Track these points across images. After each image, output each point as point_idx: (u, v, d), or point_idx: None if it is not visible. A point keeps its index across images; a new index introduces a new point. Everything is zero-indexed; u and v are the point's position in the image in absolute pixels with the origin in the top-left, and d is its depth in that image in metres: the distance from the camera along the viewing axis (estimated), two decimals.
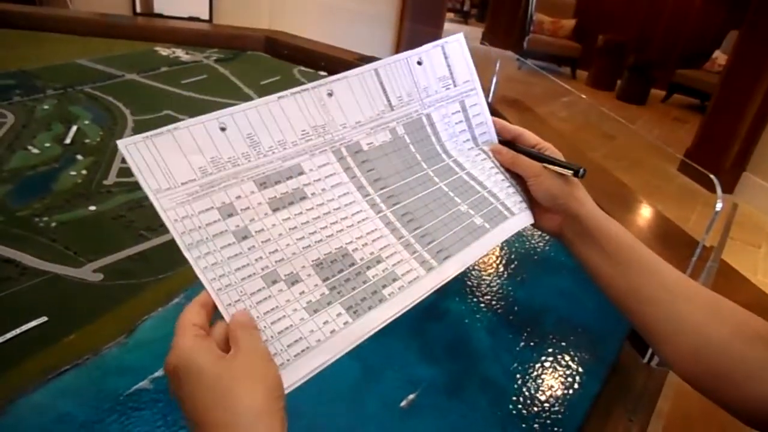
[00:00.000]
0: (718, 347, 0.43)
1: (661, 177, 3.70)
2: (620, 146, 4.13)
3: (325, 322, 0.40)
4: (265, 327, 0.38)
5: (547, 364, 0.72)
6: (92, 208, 0.89)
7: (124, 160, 1.04)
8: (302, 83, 1.73)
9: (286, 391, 0.36)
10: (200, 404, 0.33)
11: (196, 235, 0.39)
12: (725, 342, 0.43)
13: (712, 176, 0.77)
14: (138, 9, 3.48)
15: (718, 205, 0.73)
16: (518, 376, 0.69)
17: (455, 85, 0.56)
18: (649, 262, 0.48)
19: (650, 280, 0.47)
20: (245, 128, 0.43)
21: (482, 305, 0.81)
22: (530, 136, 0.56)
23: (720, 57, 5.37)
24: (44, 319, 0.64)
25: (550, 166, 0.52)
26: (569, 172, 0.51)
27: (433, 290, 0.45)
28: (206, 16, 3.55)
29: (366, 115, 0.50)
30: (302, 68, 1.83)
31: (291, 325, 0.39)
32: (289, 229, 0.43)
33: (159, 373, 0.60)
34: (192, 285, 0.74)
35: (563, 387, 0.69)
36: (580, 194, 0.52)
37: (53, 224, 0.83)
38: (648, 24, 6.27)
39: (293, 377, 0.37)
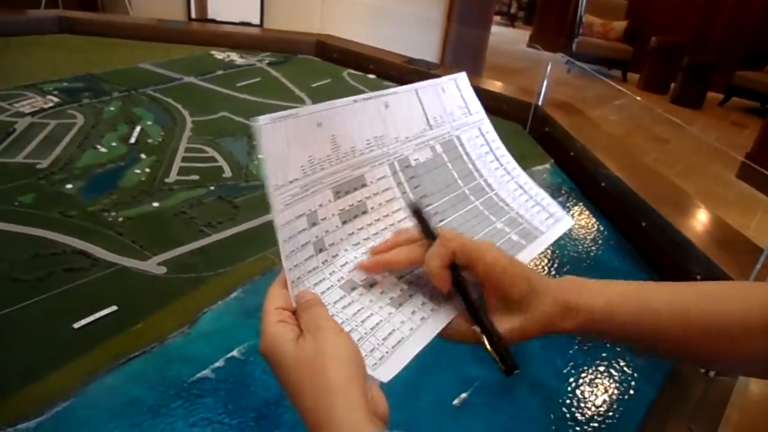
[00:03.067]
0: None
1: (719, 183, 3.56)
2: (674, 150, 4.00)
3: (413, 312, 0.41)
4: (356, 327, 0.39)
5: (601, 369, 0.71)
6: (155, 204, 0.93)
7: (184, 159, 1.09)
8: (352, 86, 1.76)
9: (387, 379, 0.36)
10: (290, 390, 0.34)
11: (291, 244, 0.40)
12: None
13: None
14: (193, 15, 3.60)
15: None
16: (571, 379, 0.69)
17: (470, 114, 0.59)
18: (685, 326, 0.39)
19: (687, 337, 0.39)
20: (331, 128, 0.44)
21: None
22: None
23: None
24: (114, 308, 0.68)
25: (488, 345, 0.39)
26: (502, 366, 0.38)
27: None
28: (257, 21, 3.64)
29: (412, 131, 0.52)
30: (351, 71, 1.85)
31: (381, 320, 0.40)
32: (354, 244, 0.44)
33: (220, 363, 0.63)
34: (250, 280, 0.77)
35: (618, 392, 0.68)
36: (564, 309, 0.40)
37: (120, 219, 0.87)
38: (705, 24, 6.04)
39: (395, 367, 0.38)
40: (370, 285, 0.42)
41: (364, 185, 0.46)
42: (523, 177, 0.60)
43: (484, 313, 0.39)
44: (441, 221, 0.50)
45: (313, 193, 0.41)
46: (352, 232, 0.44)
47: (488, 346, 0.38)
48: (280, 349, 0.35)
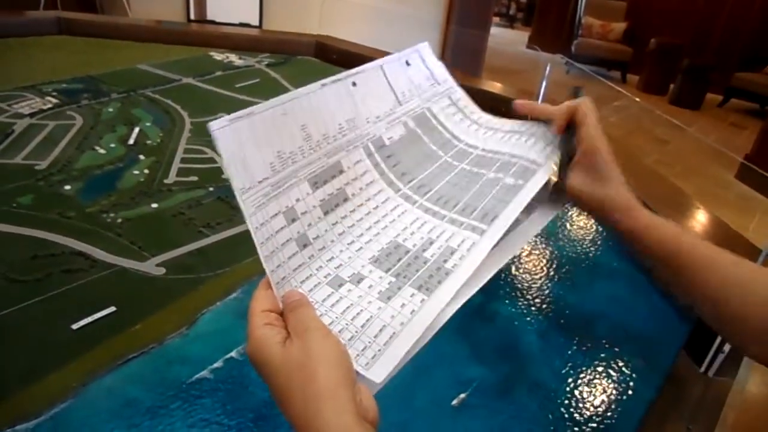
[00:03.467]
0: None
1: (718, 184, 3.56)
2: (673, 151, 4.01)
3: (403, 305, 0.39)
4: (346, 325, 0.38)
5: (599, 369, 0.71)
6: (154, 205, 0.93)
7: (183, 161, 1.09)
8: None
9: (381, 380, 0.36)
10: (278, 394, 0.34)
11: (270, 246, 0.39)
12: None
13: None
14: (192, 16, 3.60)
15: None
16: (569, 380, 0.69)
17: (438, 84, 0.59)
18: (702, 263, 0.46)
19: (706, 280, 0.45)
20: (300, 117, 0.42)
21: (532, 308, 0.80)
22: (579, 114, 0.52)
23: None
24: (113, 309, 0.68)
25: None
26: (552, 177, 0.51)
27: (491, 247, 0.44)
28: (256, 22, 3.64)
29: (382, 110, 0.51)
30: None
31: (371, 317, 0.39)
32: (338, 234, 0.43)
33: (219, 363, 0.63)
34: (249, 281, 0.77)
35: (616, 393, 0.68)
36: (620, 205, 0.49)
37: (119, 220, 0.87)
38: (704, 26, 6.06)
39: (388, 365, 0.36)
40: (358, 280, 0.41)
41: (341, 171, 0.45)
42: (507, 124, 0.58)
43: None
44: (427, 192, 0.49)
45: (287, 189, 0.40)
46: (336, 222, 0.43)
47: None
48: (266, 352, 0.34)
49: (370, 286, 0.41)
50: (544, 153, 0.54)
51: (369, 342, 0.37)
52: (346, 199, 0.45)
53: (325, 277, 0.41)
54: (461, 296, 0.41)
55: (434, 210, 0.48)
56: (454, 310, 0.40)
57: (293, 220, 0.40)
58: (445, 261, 0.43)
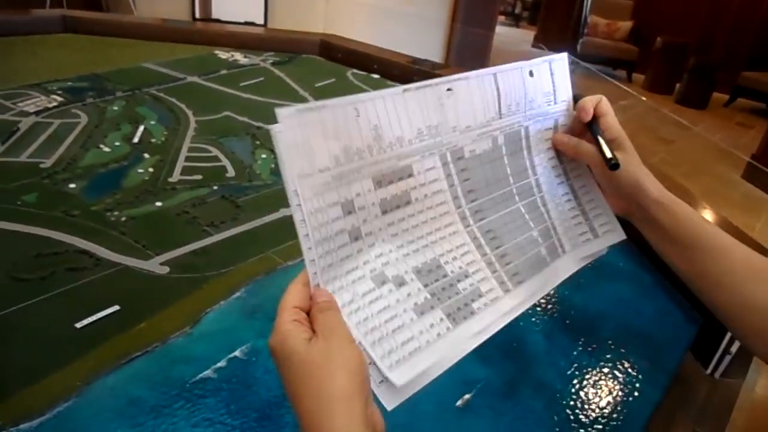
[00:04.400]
0: None
1: (724, 183, 3.54)
2: (679, 151, 3.99)
3: (432, 325, 0.41)
4: (378, 325, 0.39)
5: (605, 370, 0.70)
6: (158, 204, 0.93)
7: (187, 159, 1.08)
8: (356, 85, 1.75)
9: (401, 383, 0.37)
10: (292, 388, 0.34)
11: (323, 232, 0.38)
12: None
13: None
14: (197, 14, 3.61)
15: None
16: (575, 381, 0.68)
17: (555, 103, 0.56)
18: (716, 245, 0.48)
19: (718, 263, 0.47)
20: (374, 118, 0.41)
21: (538, 309, 0.80)
22: (606, 117, 0.55)
23: None
24: (117, 307, 0.68)
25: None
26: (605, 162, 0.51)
27: (506, 315, 0.46)
28: (261, 21, 3.64)
29: (477, 121, 0.49)
30: (355, 71, 1.85)
31: (403, 324, 0.39)
32: (392, 235, 0.43)
33: (222, 363, 0.63)
34: (253, 280, 0.76)
35: (622, 394, 0.67)
36: (642, 181, 0.52)
37: (123, 218, 0.87)
38: (710, 25, 6.02)
39: (408, 374, 0.38)
40: (399, 284, 0.41)
41: (410, 175, 0.44)
42: (580, 180, 0.57)
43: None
44: (481, 220, 0.49)
45: (348, 183, 0.40)
46: (392, 222, 0.43)
47: (603, 144, 0.51)
48: (291, 346, 0.35)
49: (409, 294, 0.41)
50: (573, 242, 0.55)
51: (396, 346, 0.38)
52: (408, 202, 0.44)
53: (371, 271, 0.41)
54: (481, 336, 0.44)
55: (480, 242, 0.48)
56: (473, 347, 0.42)
57: (349, 213, 0.40)
58: (473, 300, 0.44)
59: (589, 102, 0.55)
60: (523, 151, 0.54)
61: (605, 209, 0.57)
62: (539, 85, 0.54)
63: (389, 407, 0.37)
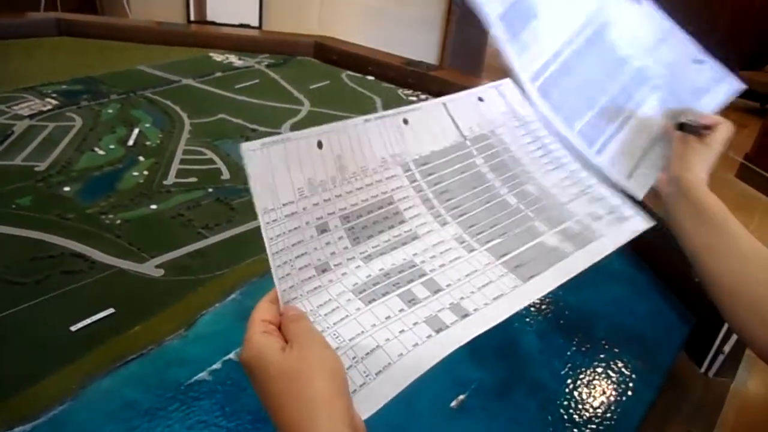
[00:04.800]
0: None
1: (718, 183, 3.54)
2: None
3: (402, 331, 0.39)
4: (346, 349, 0.37)
5: (599, 370, 0.71)
6: (153, 206, 0.93)
7: (182, 162, 1.08)
8: (351, 87, 1.75)
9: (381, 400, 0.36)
10: (271, 400, 0.34)
11: (290, 265, 0.39)
12: None
13: None
14: (192, 17, 3.60)
15: None
16: (569, 381, 0.69)
17: (516, 119, 0.55)
18: (732, 228, 0.51)
19: (728, 241, 0.51)
20: (336, 149, 0.41)
21: (532, 309, 0.80)
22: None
23: None
24: (112, 310, 0.68)
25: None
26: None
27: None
28: (256, 23, 3.64)
29: (440, 146, 0.49)
30: (350, 72, 1.85)
31: (367, 331, 0.38)
32: (364, 257, 0.42)
33: (217, 365, 0.63)
34: (248, 282, 0.77)
35: (616, 394, 0.68)
36: (692, 159, 0.56)
37: (118, 221, 0.87)
38: (705, 25, 6.04)
39: (375, 404, 0.36)
40: (370, 301, 0.40)
41: (380, 208, 0.44)
42: (574, 165, 0.55)
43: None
44: (461, 215, 0.46)
45: (315, 217, 0.40)
46: (365, 251, 0.42)
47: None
48: (266, 357, 0.34)
49: (388, 317, 0.39)
50: (601, 224, 0.52)
51: (365, 373, 0.36)
52: (375, 222, 0.43)
53: (338, 296, 0.40)
54: (471, 335, 0.39)
55: (463, 238, 0.45)
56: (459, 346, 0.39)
57: (315, 249, 0.40)
58: (462, 298, 0.41)
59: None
60: (498, 149, 0.52)
61: (613, 192, 0.55)
62: (493, 108, 0.54)
63: (364, 416, 0.35)
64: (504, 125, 0.54)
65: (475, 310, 0.40)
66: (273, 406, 0.34)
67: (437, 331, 0.39)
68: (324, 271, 0.40)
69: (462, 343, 0.39)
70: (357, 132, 0.43)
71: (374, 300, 0.40)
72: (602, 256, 0.49)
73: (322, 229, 0.40)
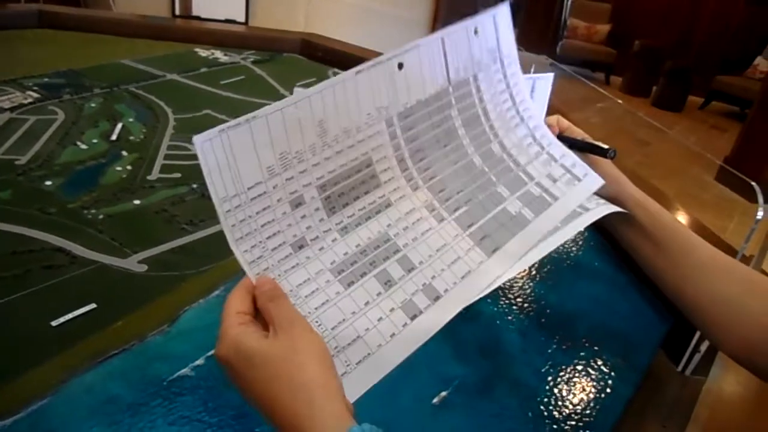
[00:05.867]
0: (752, 318, 0.45)
1: (698, 186, 3.62)
2: (655, 153, 4.06)
3: (380, 319, 0.39)
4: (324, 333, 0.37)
5: (579, 368, 0.72)
6: (137, 202, 0.92)
7: (166, 157, 1.08)
8: None
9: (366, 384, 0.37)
10: (260, 390, 0.34)
11: (262, 247, 0.39)
12: (759, 314, 0.44)
13: (753, 183, 0.76)
14: (177, 11, 3.57)
15: (759, 213, 0.72)
16: (549, 378, 0.70)
17: (501, 58, 0.54)
18: (685, 241, 0.51)
19: (687, 258, 0.50)
20: (319, 113, 0.39)
21: (514, 308, 0.81)
22: (570, 129, 0.59)
23: (762, 63, 5.23)
24: (93, 305, 0.68)
25: (589, 153, 0.55)
26: (601, 155, 0.54)
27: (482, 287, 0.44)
28: (242, 19, 3.62)
29: (427, 93, 0.47)
30: (336, 70, 1.85)
31: (357, 336, 0.38)
32: (340, 229, 0.41)
33: (200, 361, 0.63)
34: (232, 278, 0.76)
35: (595, 391, 0.69)
36: (619, 177, 0.55)
37: (100, 216, 0.86)
38: (687, 29, 6.13)
39: (356, 389, 0.37)
40: (349, 281, 0.40)
41: (359, 171, 0.42)
42: (534, 120, 0.55)
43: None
44: (431, 178, 0.46)
45: (288, 192, 0.39)
46: (341, 221, 0.41)
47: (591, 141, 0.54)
48: (249, 347, 0.34)
49: (367, 303, 0.40)
50: (561, 183, 0.52)
51: (347, 362, 0.37)
52: (353, 188, 0.42)
53: (317, 274, 0.39)
54: (443, 321, 0.41)
55: (433, 205, 0.45)
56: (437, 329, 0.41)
57: (289, 225, 0.39)
58: (434, 277, 0.42)
59: (552, 120, 0.58)
60: (473, 97, 0.51)
61: (566, 151, 0.55)
62: (483, 42, 0.52)
63: (352, 399, 0.36)
64: (487, 67, 0.53)
65: (446, 291, 0.42)
66: (263, 394, 0.33)
67: (412, 318, 0.40)
68: (301, 247, 0.39)
69: (436, 330, 0.41)
70: (345, 88, 0.41)
71: (353, 282, 0.40)
72: (559, 219, 0.50)
73: (297, 203, 0.39)
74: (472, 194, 0.48)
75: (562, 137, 0.57)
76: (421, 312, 0.41)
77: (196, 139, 0.36)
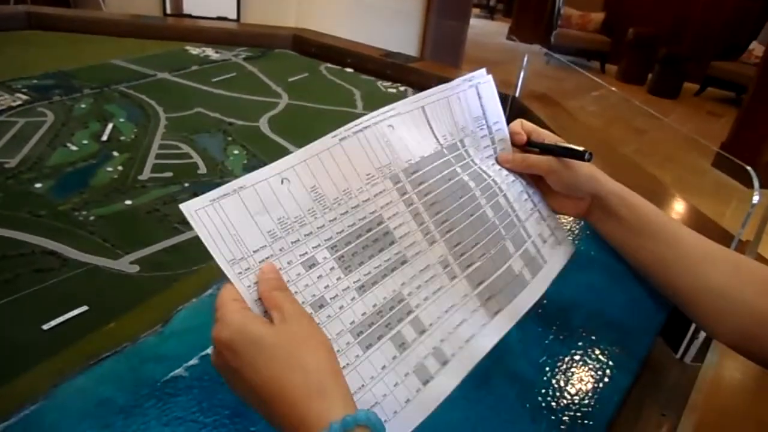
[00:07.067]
0: (743, 306, 0.44)
1: (695, 172, 3.61)
2: (651, 141, 4.06)
3: (396, 384, 0.40)
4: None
5: (576, 358, 0.71)
6: (128, 202, 0.91)
7: (158, 156, 1.07)
8: (329, 80, 1.73)
9: None
10: (265, 372, 0.33)
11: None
12: (749, 300, 0.44)
13: (749, 168, 0.75)
14: (168, 10, 3.54)
15: (755, 198, 0.71)
16: (547, 369, 0.69)
17: (488, 125, 0.55)
18: (670, 231, 0.51)
19: (673, 249, 0.50)
20: (308, 181, 0.39)
21: None
22: (536, 131, 0.57)
23: (757, 48, 5.22)
24: (85, 308, 0.67)
25: (564, 158, 0.53)
26: (577, 158, 0.52)
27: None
28: (234, 16, 3.59)
29: (427, 151, 0.47)
30: (329, 65, 1.84)
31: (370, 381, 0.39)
32: (359, 287, 0.41)
33: (194, 361, 0.62)
34: (225, 278, 0.75)
35: (593, 380, 0.68)
36: (597, 174, 0.54)
37: (92, 218, 0.85)
38: (681, 16, 6.12)
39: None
40: (367, 346, 0.40)
41: (370, 230, 0.42)
42: (525, 178, 0.56)
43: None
44: (449, 231, 0.46)
45: (296, 254, 0.38)
46: (358, 279, 0.41)
47: (564, 144, 0.52)
48: (254, 330, 0.34)
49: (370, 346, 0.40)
50: (547, 247, 0.54)
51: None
52: (366, 247, 0.42)
53: (338, 336, 0.39)
54: (451, 387, 0.43)
55: (448, 261, 0.45)
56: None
57: (306, 286, 0.38)
58: (442, 341, 0.42)
59: (516, 125, 0.57)
60: (466, 158, 0.52)
61: (549, 211, 0.58)
62: (467, 112, 0.52)
63: None
64: (473, 134, 0.53)
65: (453, 355, 0.43)
66: (271, 379, 0.33)
67: (425, 383, 0.40)
68: (321, 306, 0.39)
69: (445, 396, 0.42)
70: (331, 154, 0.40)
71: (371, 345, 0.40)
72: (547, 284, 0.54)
73: (310, 264, 0.39)
74: (486, 248, 0.48)
75: (533, 143, 0.56)
76: (432, 377, 0.41)
77: (185, 207, 0.36)
